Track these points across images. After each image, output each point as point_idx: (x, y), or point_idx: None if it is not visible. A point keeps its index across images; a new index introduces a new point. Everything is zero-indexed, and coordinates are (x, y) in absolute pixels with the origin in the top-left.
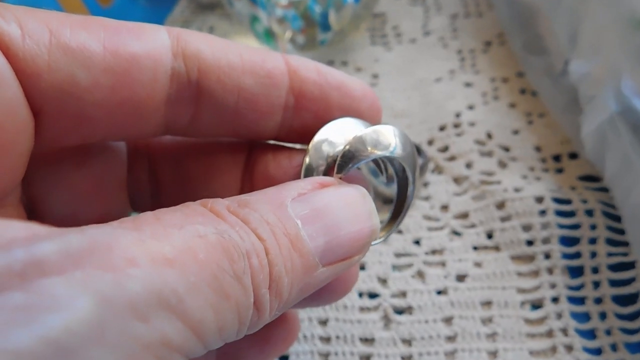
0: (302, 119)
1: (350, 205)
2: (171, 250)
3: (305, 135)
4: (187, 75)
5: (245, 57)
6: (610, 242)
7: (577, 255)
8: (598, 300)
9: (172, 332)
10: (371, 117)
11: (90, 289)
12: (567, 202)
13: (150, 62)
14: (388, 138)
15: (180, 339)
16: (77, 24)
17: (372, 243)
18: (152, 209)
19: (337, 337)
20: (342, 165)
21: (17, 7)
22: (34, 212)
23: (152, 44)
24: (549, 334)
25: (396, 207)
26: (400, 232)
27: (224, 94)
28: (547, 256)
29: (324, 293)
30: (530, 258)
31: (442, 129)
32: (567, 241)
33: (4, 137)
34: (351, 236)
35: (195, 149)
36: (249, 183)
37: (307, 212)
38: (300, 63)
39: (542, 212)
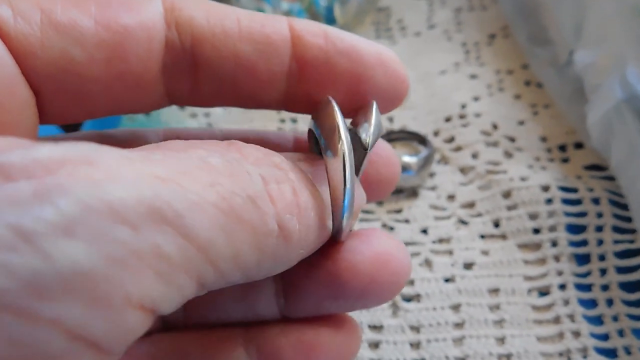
0: (308, 88)
1: None
2: (165, 171)
3: (313, 105)
4: (181, 43)
5: (243, 23)
6: (617, 229)
7: (584, 242)
8: (605, 287)
9: (170, 246)
10: (390, 86)
11: (61, 191)
12: (574, 190)
13: (143, 33)
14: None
15: (182, 256)
16: (67, 1)
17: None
18: None
19: None
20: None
21: None
22: None
23: (145, 15)
24: (556, 320)
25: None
26: (407, 221)
27: (220, 62)
28: (554, 244)
29: (352, 290)
30: (537, 246)
31: (447, 120)
32: (573, 229)
33: (7, 115)
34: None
35: None
36: None
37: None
38: (305, 27)
39: (549, 201)
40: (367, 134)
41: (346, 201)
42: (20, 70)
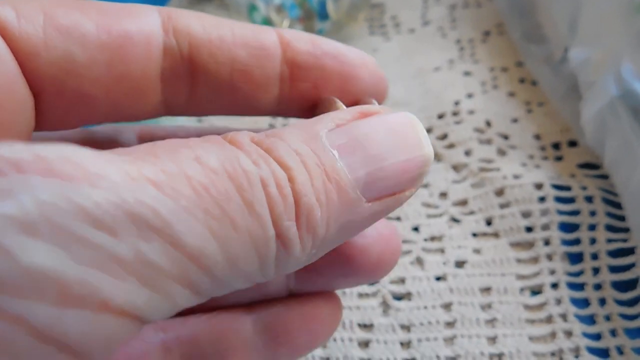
0: (300, 90)
1: (397, 133)
2: (155, 173)
3: (305, 107)
4: (179, 49)
5: (237, 31)
6: (610, 228)
7: (577, 241)
8: (597, 286)
9: (157, 254)
10: (374, 85)
11: (25, 188)
12: (567, 188)
13: (142, 38)
14: None
15: (171, 264)
16: (69, 6)
17: None
18: None
19: None
20: None
21: None
22: None
23: (143, 21)
24: (549, 319)
25: None
26: (399, 219)
27: (217, 67)
28: (547, 242)
29: (363, 268)
30: (530, 244)
31: (440, 117)
32: (566, 227)
33: (3, 114)
34: (398, 166)
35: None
36: None
37: (346, 141)
38: (293, 35)
39: (542, 199)
40: None
41: None
42: (23, 70)
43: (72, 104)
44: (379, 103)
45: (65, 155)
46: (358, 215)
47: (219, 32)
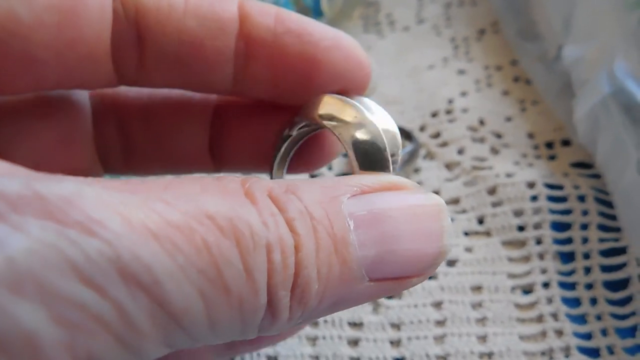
0: (255, 69)
1: (420, 218)
2: (160, 224)
3: (260, 88)
4: (125, 15)
5: (191, 0)
6: (602, 227)
7: (569, 240)
8: (589, 286)
9: (139, 313)
10: (348, 72)
11: (22, 232)
12: (559, 187)
13: (95, 2)
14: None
15: (151, 323)
16: None
17: None
18: (125, 166)
19: (325, 321)
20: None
21: None
22: None
23: None
24: (540, 318)
25: None
26: None
27: (164, 37)
28: (539, 241)
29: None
30: (522, 243)
31: (434, 115)
32: (558, 227)
33: None
34: (412, 253)
35: (163, 100)
36: (220, 128)
37: (365, 213)
38: (256, 8)
39: (534, 198)
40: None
41: None
42: None
43: (20, 68)
44: (356, 91)
45: (66, 196)
46: (356, 294)
47: (170, 0)
